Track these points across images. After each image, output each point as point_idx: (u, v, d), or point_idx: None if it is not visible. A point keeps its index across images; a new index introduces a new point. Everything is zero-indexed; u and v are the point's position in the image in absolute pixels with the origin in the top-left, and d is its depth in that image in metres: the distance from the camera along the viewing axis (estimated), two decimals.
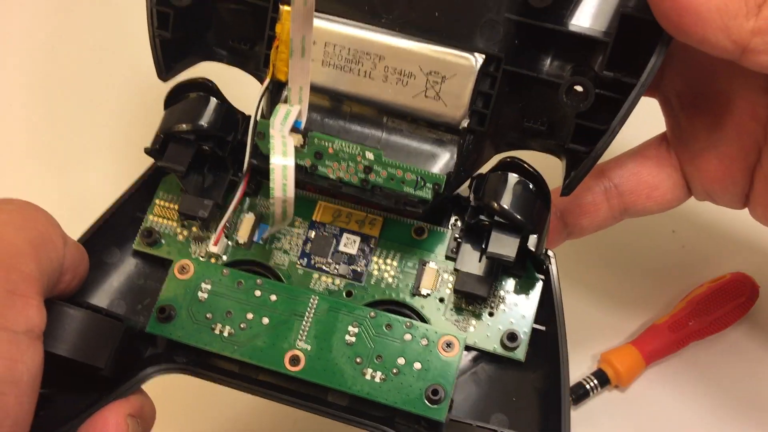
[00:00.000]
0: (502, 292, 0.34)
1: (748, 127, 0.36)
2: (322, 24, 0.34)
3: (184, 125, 0.34)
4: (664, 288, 0.48)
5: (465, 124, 0.34)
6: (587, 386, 0.45)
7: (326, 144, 0.33)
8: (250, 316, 0.34)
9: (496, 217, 0.32)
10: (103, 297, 0.36)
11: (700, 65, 0.37)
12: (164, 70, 0.36)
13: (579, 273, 0.48)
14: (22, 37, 0.56)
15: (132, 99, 0.53)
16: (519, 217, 0.32)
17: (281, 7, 0.33)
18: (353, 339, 0.33)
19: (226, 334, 0.34)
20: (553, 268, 0.34)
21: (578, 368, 0.46)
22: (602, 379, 0.45)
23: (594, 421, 0.45)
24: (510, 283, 0.34)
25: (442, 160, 0.34)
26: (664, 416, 0.45)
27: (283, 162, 0.31)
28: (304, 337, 0.33)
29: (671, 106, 0.39)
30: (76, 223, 0.35)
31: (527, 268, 0.34)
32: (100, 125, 0.53)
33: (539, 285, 0.34)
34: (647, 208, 0.39)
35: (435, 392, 0.32)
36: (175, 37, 0.35)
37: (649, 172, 0.39)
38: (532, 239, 0.33)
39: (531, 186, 0.33)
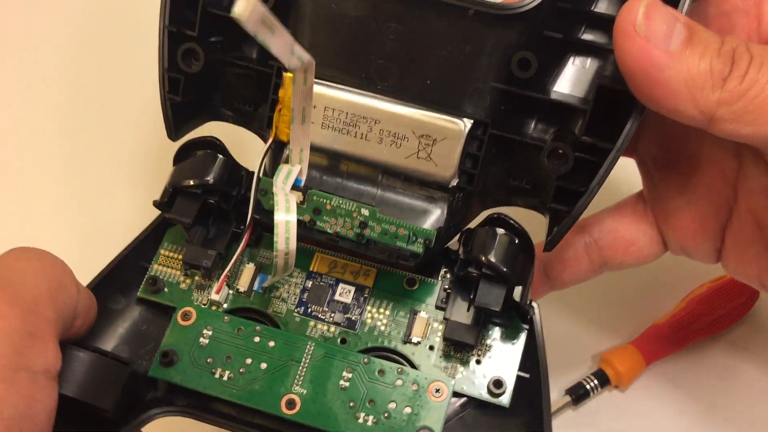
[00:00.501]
0: (488, 341, 0.36)
1: (719, 188, 0.39)
2: (322, 90, 0.36)
3: (191, 181, 0.37)
4: (664, 288, 0.49)
5: (454, 183, 0.37)
6: (587, 386, 0.45)
7: (324, 201, 0.35)
8: (248, 361, 0.35)
9: (483, 270, 0.34)
10: (107, 342, 0.37)
11: (672, 131, 0.40)
12: (174, 132, 0.38)
13: None
14: (45, 67, 0.58)
15: (153, 134, 0.55)
16: (505, 269, 0.34)
17: (284, 74, 0.36)
18: (347, 384, 0.35)
19: (225, 378, 0.35)
20: (537, 318, 0.36)
21: (578, 368, 0.46)
22: (602, 379, 0.45)
23: (594, 421, 0.45)
24: (496, 333, 0.36)
25: (433, 217, 0.37)
26: (665, 416, 0.45)
27: (286, 218, 0.34)
28: (300, 382, 0.35)
29: (647, 167, 0.41)
30: (87, 257, 0.37)
31: (512, 318, 0.36)
32: (122, 158, 0.55)
33: (524, 335, 0.36)
34: (625, 263, 0.41)
35: None
36: (185, 101, 0.38)
37: (626, 228, 0.41)
38: (517, 291, 0.35)
39: (516, 240, 0.35)
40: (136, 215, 0.42)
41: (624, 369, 0.45)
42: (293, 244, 0.34)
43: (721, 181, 0.39)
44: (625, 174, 0.52)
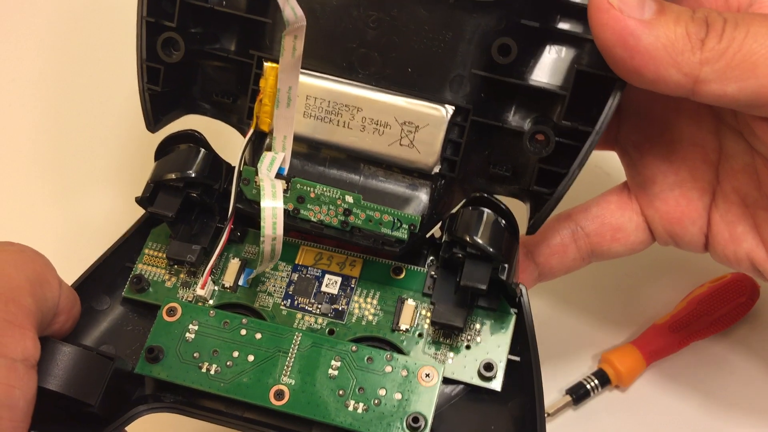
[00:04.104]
0: (478, 326, 0.36)
1: (701, 170, 0.39)
2: (304, 79, 0.36)
3: (173, 174, 0.36)
4: (664, 288, 0.48)
5: (437, 169, 0.37)
6: (588, 386, 0.45)
7: (308, 189, 0.35)
8: (235, 354, 0.35)
9: (468, 249, 0.34)
10: (93, 342, 0.37)
11: (652, 116, 0.40)
12: (153, 122, 0.38)
13: (579, 273, 0.48)
14: (27, 63, 0.58)
15: (133, 131, 0.55)
16: (489, 247, 0.34)
17: (265, 63, 0.36)
18: (336, 372, 0.34)
19: (212, 372, 0.35)
20: (525, 300, 0.36)
21: (579, 368, 0.46)
22: (603, 379, 0.45)
23: (594, 421, 0.45)
24: (485, 318, 0.36)
25: (416, 203, 0.37)
26: (665, 416, 0.45)
27: (272, 204, 0.34)
28: (288, 373, 0.35)
29: (629, 155, 0.41)
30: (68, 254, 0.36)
31: (501, 302, 0.36)
32: (101, 154, 0.54)
33: (512, 318, 0.36)
34: (613, 251, 0.41)
35: (415, 420, 0.33)
36: (164, 92, 0.38)
37: (612, 215, 0.41)
38: (504, 270, 0.35)
39: (499, 219, 0.35)
40: (116, 212, 0.41)
41: (624, 369, 0.45)
42: (280, 230, 0.34)
43: (704, 163, 0.39)
44: (609, 169, 0.53)
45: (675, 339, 0.46)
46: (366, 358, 0.35)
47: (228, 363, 0.35)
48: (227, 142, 0.41)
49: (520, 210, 0.37)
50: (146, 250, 0.39)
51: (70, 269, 0.36)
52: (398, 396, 0.34)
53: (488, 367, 0.35)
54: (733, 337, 0.47)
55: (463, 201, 0.36)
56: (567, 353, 0.47)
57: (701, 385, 0.46)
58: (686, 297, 0.48)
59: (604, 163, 0.52)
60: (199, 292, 0.37)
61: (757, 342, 0.47)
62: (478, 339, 0.36)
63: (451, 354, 0.36)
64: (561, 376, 0.46)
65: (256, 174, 0.35)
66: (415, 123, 0.36)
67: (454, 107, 0.36)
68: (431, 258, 0.38)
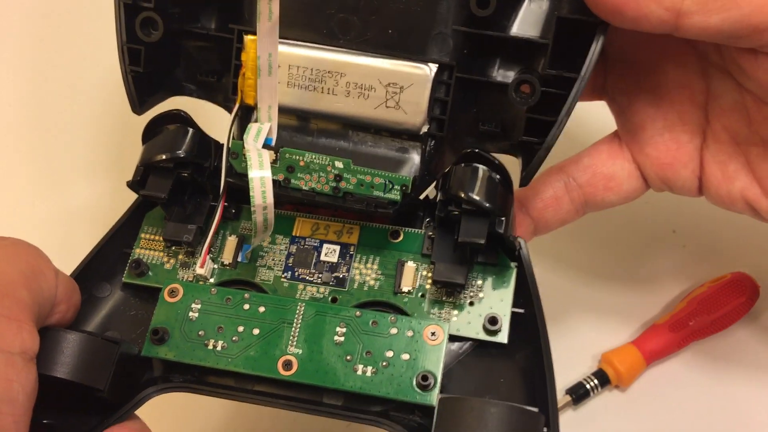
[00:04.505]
0: (479, 282, 0.36)
1: (690, 112, 0.39)
2: (285, 49, 0.36)
3: (162, 155, 0.36)
4: (664, 288, 0.48)
5: (425, 129, 0.37)
6: (588, 386, 0.45)
7: (297, 158, 0.35)
8: (240, 328, 0.35)
9: (464, 206, 0.34)
10: (97, 330, 0.37)
11: (638, 63, 0.40)
12: (138, 104, 0.38)
13: (579, 273, 0.48)
14: (3, 52, 0.58)
15: (121, 113, 0.54)
16: (485, 202, 0.34)
17: (245, 36, 0.36)
18: (342, 339, 0.34)
19: (219, 348, 0.35)
20: (525, 252, 0.36)
21: (579, 368, 0.46)
22: (603, 379, 0.45)
23: (595, 421, 0.45)
24: (486, 273, 0.36)
25: (407, 165, 0.37)
26: (665, 416, 0.45)
27: (260, 174, 0.33)
28: (294, 343, 0.35)
29: (618, 103, 0.41)
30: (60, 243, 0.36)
31: (500, 257, 0.36)
32: (86, 140, 0.54)
33: (513, 271, 0.36)
34: (606, 200, 0.41)
35: (425, 378, 0.33)
36: (147, 72, 0.37)
37: (603, 163, 0.41)
38: (500, 223, 0.35)
39: (492, 173, 0.35)
40: (105, 199, 0.41)
41: (624, 369, 0.45)
42: (270, 198, 0.33)
43: (692, 104, 0.39)
44: (600, 121, 0.53)
45: (675, 339, 0.46)
46: (371, 322, 0.35)
47: (234, 338, 0.35)
48: (213, 123, 0.40)
49: (512, 167, 0.37)
50: (142, 234, 0.39)
51: (63, 259, 0.35)
52: (406, 356, 0.34)
53: (493, 321, 0.35)
54: (733, 337, 0.47)
55: (456, 159, 0.36)
56: (567, 353, 0.47)
57: (701, 385, 0.46)
58: (686, 297, 0.47)
59: (594, 116, 0.52)
60: (199, 271, 0.37)
61: (757, 342, 0.47)
62: (481, 295, 0.36)
63: (455, 311, 0.36)
64: (561, 375, 0.45)
65: (244, 146, 0.35)
66: (399, 84, 0.36)
67: (437, 65, 0.36)
68: (427, 219, 0.38)
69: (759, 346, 0.47)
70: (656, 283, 0.49)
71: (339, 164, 0.35)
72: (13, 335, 0.30)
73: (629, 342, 0.46)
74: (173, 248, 0.38)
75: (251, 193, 0.33)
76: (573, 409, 0.46)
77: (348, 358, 0.34)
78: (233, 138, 0.36)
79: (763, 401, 0.45)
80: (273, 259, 0.38)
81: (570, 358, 0.47)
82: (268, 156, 0.34)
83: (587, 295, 0.48)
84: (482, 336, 0.35)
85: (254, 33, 0.36)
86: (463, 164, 0.35)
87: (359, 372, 0.34)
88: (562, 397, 0.45)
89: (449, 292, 0.36)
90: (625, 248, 0.50)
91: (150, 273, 0.38)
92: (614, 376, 0.45)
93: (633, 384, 0.46)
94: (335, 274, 0.37)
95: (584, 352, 0.47)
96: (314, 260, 0.37)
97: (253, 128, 0.35)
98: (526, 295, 0.36)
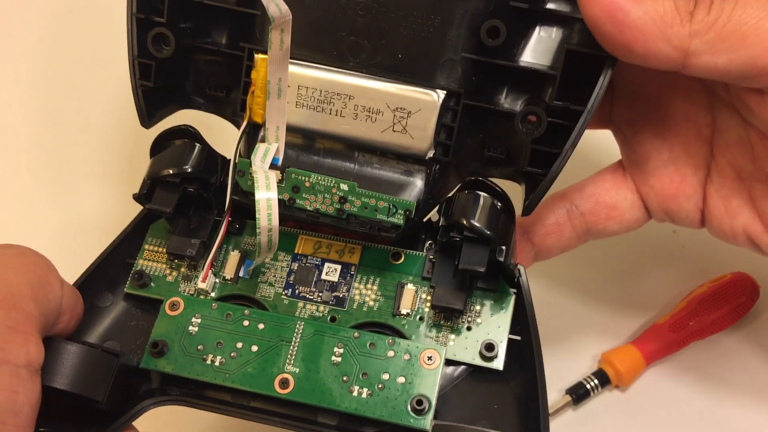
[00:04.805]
0: (478, 307, 0.36)
1: (695, 146, 0.39)
2: (295, 69, 0.36)
3: (169, 170, 0.37)
4: (664, 288, 0.48)
5: (431, 154, 0.37)
6: (588, 386, 0.45)
7: (303, 178, 0.36)
8: (239, 345, 0.35)
9: (465, 233, 0.35)
10: (97, 339, 0.37)
11: (645, 95, 0.40)
12: (146, 118, 0.38)
13: (579, 273, 0.48)
14: (19, 63, 0.58)
15: (128, 129, 0.55)
16: (486, 230, 0.34)
17: (256, 55, 0.36)
18: (339, 359, 0.35)
19: (217, 363, 0.35)
20: (524, 280, 0.36)
21: (579, 368, 0.46)
22: (603, 379, 0.45)
23: (594, 421, 0.45)
24: (485, 299, 0.37)
25: (412, 189, 0.37)
26: (665, 416, 0.45)
27: (267, 195, 0.34)
28: (292, 361, 0.35)
29: (623, 133, 0.41)
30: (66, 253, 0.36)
31: (500, 283, 0.37)
32: (96, 151, 0.55)
33: (512, 298, 0.36)
34: (608, 228, 0.42)
35: (419, 402, 0.33)
36: (157, 87, 0.38)
37: (606, 193, 0.41)
38: (501, 252, 0.35)
39: (495, 201, 0.35)
40: (112, 209, 0.41)
41: (624, 369, 0.45)
42: (276, 220, 0.34)
43: (697, 138, 0.39)
44: (605, 149, 0.53)
45: (675, 339, 0.46)
46: (368, 344, 0.35)
47: (232, 354, 0.35)
48: (221, 136, 0.41)
49: (515, 192, 0.37)
50: (146, 246, 0.39)
51: (69, 267, 0.36)
52: (402, 380, 0.34)
53: (489, 347, 0.35)
54: (732, 337, 0.47)
55: (459, 185, 0.36)
56: (567, 353, 0.47)
57: (701, 385, 0.46)
58: (686, 297, 0.48)
59: (599, 144, 0.52)
60: (201, 285, 0.37)
61: (757, 342, 0.47)
62: (479, 320, 0.36)
63: (453, 336, 0.36)
64: (561, 375, 0.46)
65: (251, 166, 0.35)
66: (407, 108, 0.36)
67: (445, 92, 0.36)
68: (429, 242, 0.38)
69: (759, 347, 0.47)
70: (656, 283, 0.49)
71: (344, 186, 0.35)
72: (20, 347, 0.30)
73: (629, 342, 0.47)
74: (176, 261, 0.38)
75: (257, 215, 0.34)
76: (573, 409, 0.46)
77: (344, 378, 0.34)
78: (240, 155, 0.36)
79: (763, 401, 0.45)
80: (274, 276, 0.38)
81: (570, 358, 0.47)
82: (275, 178, 0.34)
83: (587, 295, 0.48)
84: (478, 362, 0.36)
85: (264, 52, 0.36)
86: (466, 191, 0.36)
87: (355, 393, 0.34)
88: (562, 397, 0.46)
89: (447, 316, 0.36)
90: (625, 248, 0.50)
91: (152, 284, 0.38)
92: (614, 376, 0.45)
93: (633, 384, 0.46)
94: (335, 294, 0.37)
95: (584, 352, 0.47)
96: (315, 278, 0.38)
97: (260, 148, 0.35)
98: (524, 322, 0.36)
